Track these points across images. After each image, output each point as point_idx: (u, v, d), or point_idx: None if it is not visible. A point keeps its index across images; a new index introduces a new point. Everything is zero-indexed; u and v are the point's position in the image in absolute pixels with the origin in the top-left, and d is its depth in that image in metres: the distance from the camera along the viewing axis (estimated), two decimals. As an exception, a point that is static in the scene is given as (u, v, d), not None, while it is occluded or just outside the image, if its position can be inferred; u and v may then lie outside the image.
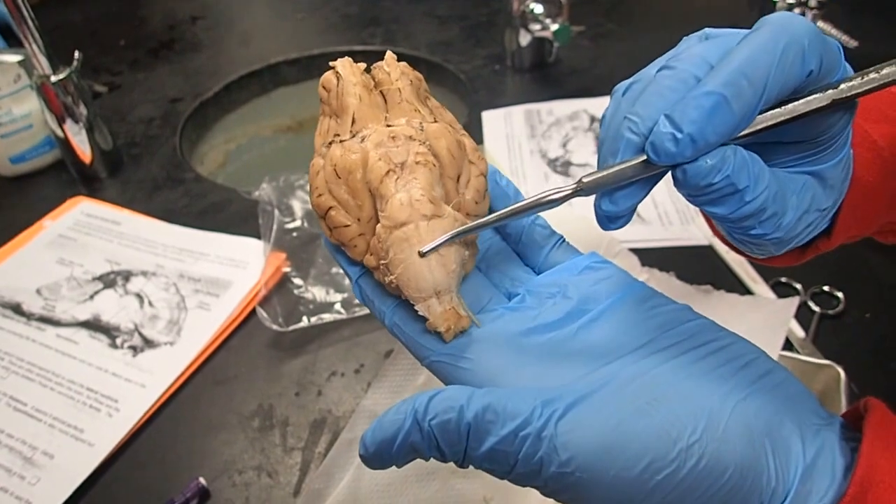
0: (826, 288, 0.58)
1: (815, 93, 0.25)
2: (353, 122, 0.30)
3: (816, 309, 0.56)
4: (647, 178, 0.25)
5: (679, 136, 0.23)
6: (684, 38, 0.28)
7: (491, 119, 0.83)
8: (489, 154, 0.77)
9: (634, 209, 0.26)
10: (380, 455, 0.26)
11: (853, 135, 0.30)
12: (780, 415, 0.24)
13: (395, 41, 1.02)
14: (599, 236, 0.60)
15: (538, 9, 0.85)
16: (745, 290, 0.59)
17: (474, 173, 0.31)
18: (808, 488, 0.23)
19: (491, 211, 0.32)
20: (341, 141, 0.30)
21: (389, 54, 0.33)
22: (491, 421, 0.24)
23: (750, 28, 0.25)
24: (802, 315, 0.56)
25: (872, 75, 0.25)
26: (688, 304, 0.28)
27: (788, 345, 0.54)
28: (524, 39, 0.89)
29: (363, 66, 0.32)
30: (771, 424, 0.24)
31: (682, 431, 0.23)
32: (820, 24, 0.82)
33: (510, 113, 0.84)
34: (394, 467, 0.27)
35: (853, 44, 0.80)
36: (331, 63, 0.32)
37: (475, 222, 0.28)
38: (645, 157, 0.24)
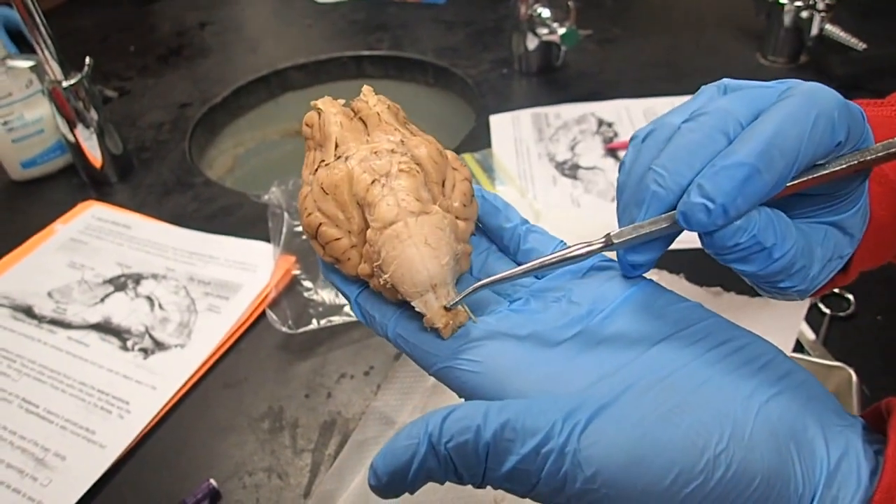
0: (836, 290, 0.58)
1: (840, 158, 0.26)
2: (336, 146, 0.31)
3: (827, 311, 0.56)
4: (671, 234, 0.26)
5: (711, 206, 0.24)
6: (702, 87, 0.28)
7: (499, 123, 0.83)
8: (497, 158, 0.77)
9: (657, 259, 0.27)
10: (393, 485, 0.25)
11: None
12: (804, 417, 0.24)
13: (403, 46, 1.03)
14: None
15: (545, 13, 0.85)
16: (754, 292, 0.58)
17: (458, 178, 0.31)
18: (833, 493, 0.23)
19: (480, 221, 0.33)
20: (326, 164, 0.31)
21: (366, 87, 0.34)
22: (510, 439, 0.24)
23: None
24: (813, 317, 0.56)
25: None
26: (699, 302, 0.28)
27: (799, 347, 0.54)
28: (531, 43, 0.89)
29: (342, 101, 0.34)
30: (795, 428, 0.24)
31: (709, 440, 0.23)
32: (828, 26, 0.82)
33: (518, 117, 0.84)
34: None
35: (861, 46, 0.80)
36: (311, 103, 0.33)
37: (501, 275, 0.28)
38: (673, 220, 0.25)
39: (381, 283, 0.29)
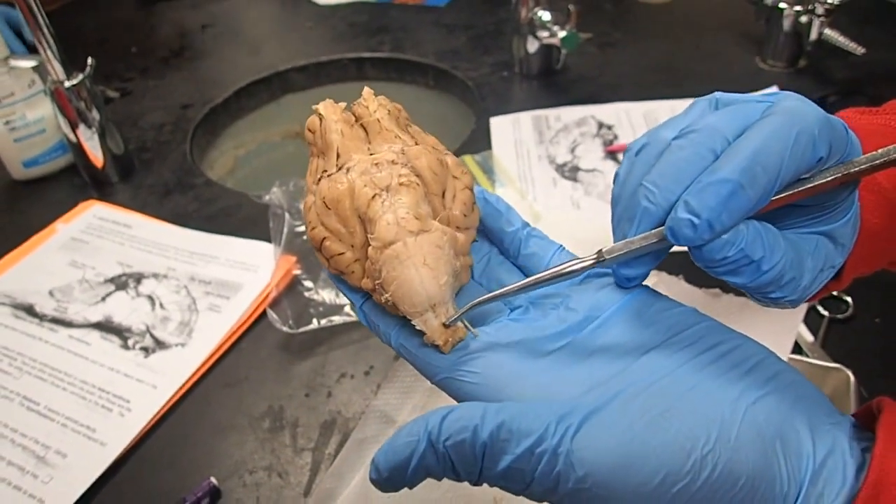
0: (835, 293, 0.58)
1: (825, 171, 0.26)
2: (338, 156, 0.32)
3: (825, 313, 0.56)
4: (662, 249, 0.27)
5: (697, 221, 0.24)
6: (695, 100, 0.29)
7: (499, 125, 0.84)
8: (497, 160, 0.78)
9: (649, 272, 0.28)
10: (393, 479, 0.26)
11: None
12: (791, 417, 0.25)
13: (404, 49, 1.03)
14: (605, 238, 0.60)
15: (546, 16, 0.86)
16: (753, 295, 0.59)
17: (459, 187, 0.32)
18: (819, 489, 0.23)
19: (482, 223, 0.33)
20: (329, 175, 0.31)
21: (367, 90, 0.34)
22: (506, 440, 0.24)
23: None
24: (811, 319, 0.56)
25: (880, 151, 0.27)
26: (694, 307, 0.29)
27: (797, 348, 0.54)
28: (532, 46, 0.90)
29: (343, 104, 0.34)
30: (782, 428, 0.24)
31: (696, 443, 0.23)
32: (827, 31, 0.83)
33: (518, 119, 0.84)
34: None
35: (860, 51, 0.81)
36: (313, 107, 0.34)
37: (496, 293, 0.29)
38: (662, 235, 0.26)
39: (383, 300, 0.29)
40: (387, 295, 0.29)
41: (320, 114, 0.33)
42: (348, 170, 0.31)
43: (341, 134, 0.32)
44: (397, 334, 0.30)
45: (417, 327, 0.29)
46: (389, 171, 0.30)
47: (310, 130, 0.33)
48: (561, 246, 0.33)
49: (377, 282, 0.29)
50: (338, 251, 0.31)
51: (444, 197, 0.31)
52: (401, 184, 0.30)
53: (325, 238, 0.31)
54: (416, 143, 0.32)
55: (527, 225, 0.34)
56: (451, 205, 0.31)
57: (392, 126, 0.32)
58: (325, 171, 0.32)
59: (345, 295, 0.33)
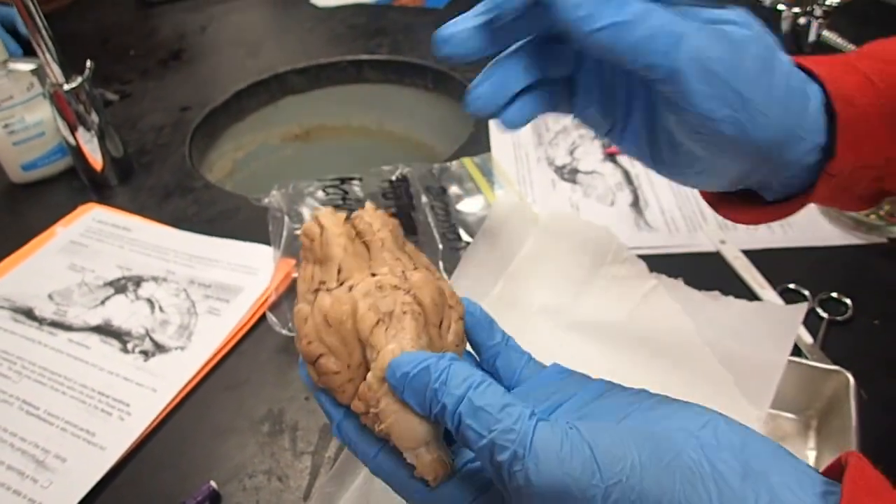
0: (834, 294, 0.58)
1: None
2: (340, 271, 0.32)
3: (825, 315, 0.57)
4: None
5: None
6: None
7: (498, 127, 0.84)
8: (496, 162, 0.78)
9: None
10: (401, 365, 0.28)
11: (840, 67, 0.33)
12: (732, 452, 0.25)
13: (402, 51, 1.03)
14: (607, 243, 0.60)
15: (545, 18, 0.86)
16: (752, 297, 0.59)
17: (454, 318, 0.33)
18: None
19: (465, 332, 0.34)
20: (328, 289, 0.31)
21: (369, 205, 0.34)
22: (492, 392, 0.27)
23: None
24: (811, 321, 0.56)
25: None
26: (644, 388, 0.30)
27: (797, 350, 0.54)
28: (531, 49, 0.90)
29: (344, 215, 0.34)
30: (715, 464, 0.25)
31: (629, 451, 0.25)
32: (825, 33, 0.83)
33: (517, 121, 0.84)
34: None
35: (858, 53, 0.81)
36: (313, 213, 0.34)
37: None
38: None
39: (377, 429, 0.30)
40: (382, 426, 0.29)
41: (321, 223, 0.33)
42: (351, 288, 0.31)
43: (343, 249, 0.32)
44: (375, 457, 0.31)
45: (409, 461, 0.29)
46: (393, 298, 0.30)
47: (308, 237, 0.33)
48: (528, 355, 0.35)
49: (374, 410, 0.29)
50: (333, 370, 0.31)
51: (440, 327, 0.32)
52: (404, 312, 0.30)
53: (321, 354, 0.31)
54: (415, 266, 0.33)
55: (504, 336, 0.35)
56: (447, 335, 0.32)
57: (393, 247, 0.33)
58: (324, 283, 0.32)
59: (323, 409, 0.33)
